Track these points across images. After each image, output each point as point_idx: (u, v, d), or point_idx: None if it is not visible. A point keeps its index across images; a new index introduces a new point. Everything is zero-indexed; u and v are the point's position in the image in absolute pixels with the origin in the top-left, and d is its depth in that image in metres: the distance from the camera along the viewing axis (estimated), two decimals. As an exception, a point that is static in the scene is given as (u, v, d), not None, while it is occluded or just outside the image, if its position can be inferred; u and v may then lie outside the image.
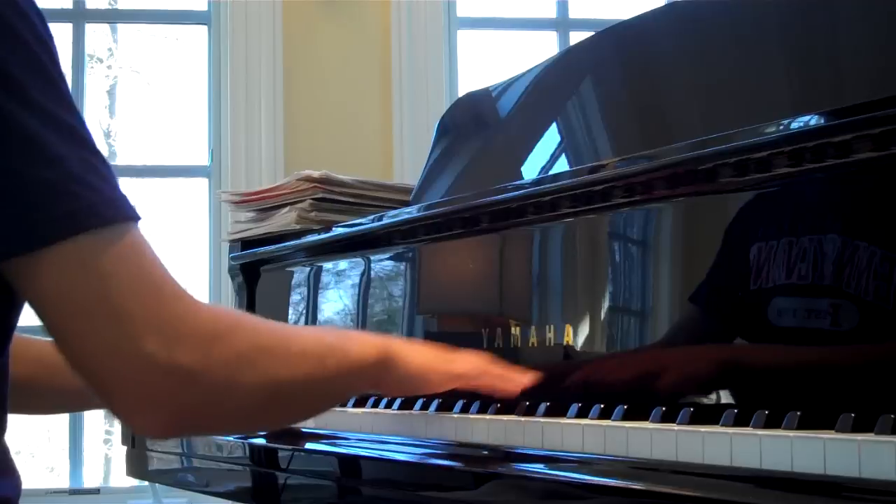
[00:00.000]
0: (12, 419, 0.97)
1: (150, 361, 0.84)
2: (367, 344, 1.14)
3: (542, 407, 1.15)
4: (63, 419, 3.63)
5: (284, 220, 1.88)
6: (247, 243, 1.98)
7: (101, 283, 0.82)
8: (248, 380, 0.93)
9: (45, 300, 0.83)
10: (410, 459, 1.21)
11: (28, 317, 0.92)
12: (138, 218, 0.86)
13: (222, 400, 0.91)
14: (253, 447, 1.55)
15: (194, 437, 1.71)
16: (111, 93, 3.94)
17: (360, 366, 1.12)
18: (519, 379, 1.23)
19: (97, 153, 0.85)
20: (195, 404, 0.89)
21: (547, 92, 1.64)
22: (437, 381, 1.22)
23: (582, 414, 1.11)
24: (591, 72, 1.55)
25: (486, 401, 1.25)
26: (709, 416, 0.98)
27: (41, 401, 1.40)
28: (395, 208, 1.69)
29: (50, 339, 1.41)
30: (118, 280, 0.83)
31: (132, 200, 0.87)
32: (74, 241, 0.81)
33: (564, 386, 1.23)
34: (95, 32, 3.92)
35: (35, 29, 0.84)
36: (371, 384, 1.19)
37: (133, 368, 0.84)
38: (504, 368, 1.24)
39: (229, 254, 2.03)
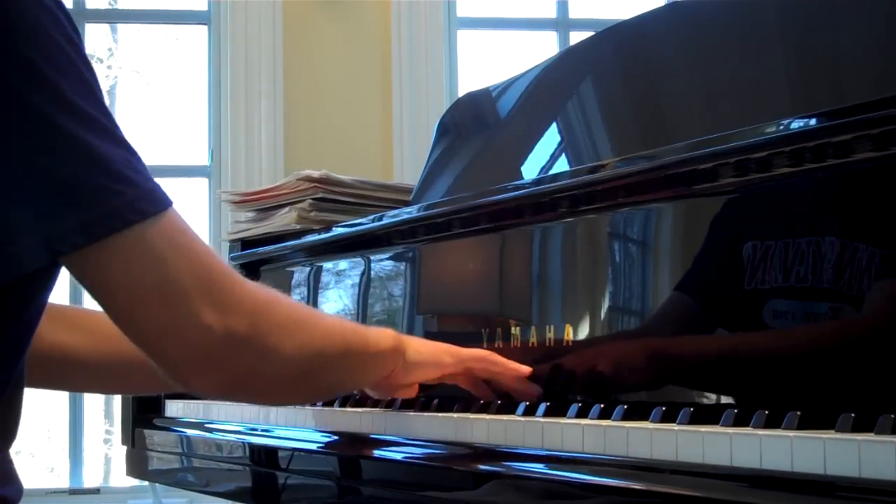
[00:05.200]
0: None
1: (210, 332, 0.94)
2: (381, 331, 1.23)
3: (542, 407, 1.15)
4: (63, 419, 3.63)
5: (284, 220, 1.88)
6: (247, 243, 1.98)
7: (158, 268, 0.90)
8: (289, 347, 1.04)
9: (105, 289, 0.90)
10: (410, 459, 1.21)
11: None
12: (172, 203, 0.92)
13: (268, 364, 1.02)
14: (253, 447, 1.55)
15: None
16: (111, 93, 3.94)
17: (377, 349, 1.20)
18: (524, 367, 1.27)
19: (130, 148, 0.90)
20: (247, 367, 1.00)
21: (547, 92, 1.64)
22: (449, 363, 1.26)
23: (582, 414, 1.11)
24: (591, 72, 1.55)
25: (487, 399, 1.26)
26: (709, 416, 0.98)
27: (120, 380, 1.38)
28: (395, 208, 1.69)
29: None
30: (174, 263, 0.91)
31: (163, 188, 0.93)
32: (123, 234, 0.87)
33: (564, 386, 1.23)
34: (95, 32, 3.92)
35: (63, 27, 0.85)
36: (385, 370, 1.23)
37: (196, 340, 0.94)
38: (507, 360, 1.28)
39: (229, 254, 2.04)
